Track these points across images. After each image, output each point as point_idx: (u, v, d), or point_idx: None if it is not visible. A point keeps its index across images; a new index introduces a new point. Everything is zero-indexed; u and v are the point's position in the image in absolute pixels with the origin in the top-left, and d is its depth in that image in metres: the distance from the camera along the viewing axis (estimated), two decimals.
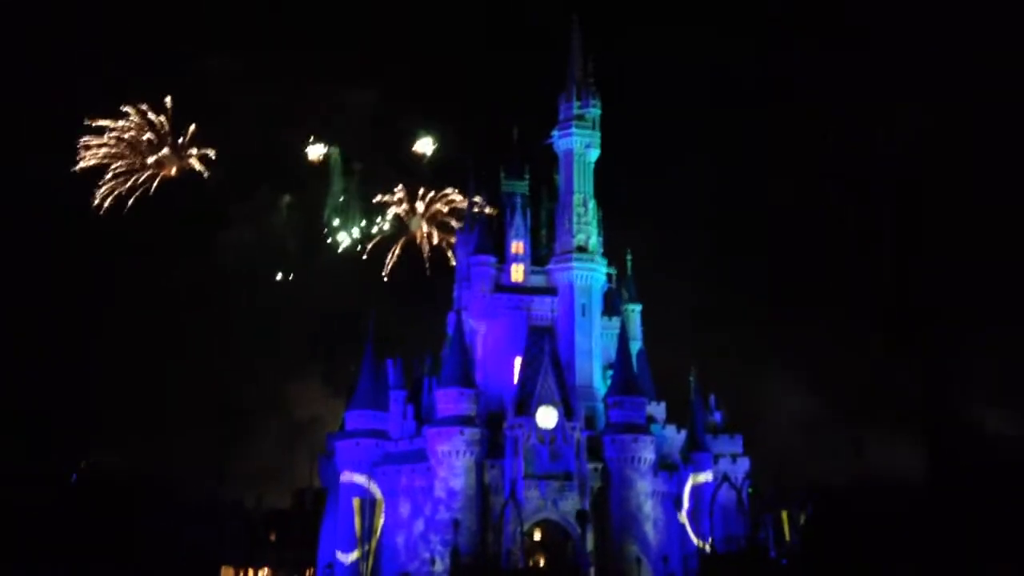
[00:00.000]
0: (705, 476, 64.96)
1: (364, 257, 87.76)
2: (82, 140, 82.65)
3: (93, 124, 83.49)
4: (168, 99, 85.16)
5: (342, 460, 64.66)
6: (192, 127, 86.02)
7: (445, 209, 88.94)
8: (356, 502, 61.59)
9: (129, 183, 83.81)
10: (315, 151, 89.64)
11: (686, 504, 64.20)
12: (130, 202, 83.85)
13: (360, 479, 63.57)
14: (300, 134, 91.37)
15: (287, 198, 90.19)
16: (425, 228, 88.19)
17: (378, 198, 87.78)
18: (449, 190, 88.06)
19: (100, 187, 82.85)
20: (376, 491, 63.13)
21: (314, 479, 74.14)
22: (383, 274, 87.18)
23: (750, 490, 66.03)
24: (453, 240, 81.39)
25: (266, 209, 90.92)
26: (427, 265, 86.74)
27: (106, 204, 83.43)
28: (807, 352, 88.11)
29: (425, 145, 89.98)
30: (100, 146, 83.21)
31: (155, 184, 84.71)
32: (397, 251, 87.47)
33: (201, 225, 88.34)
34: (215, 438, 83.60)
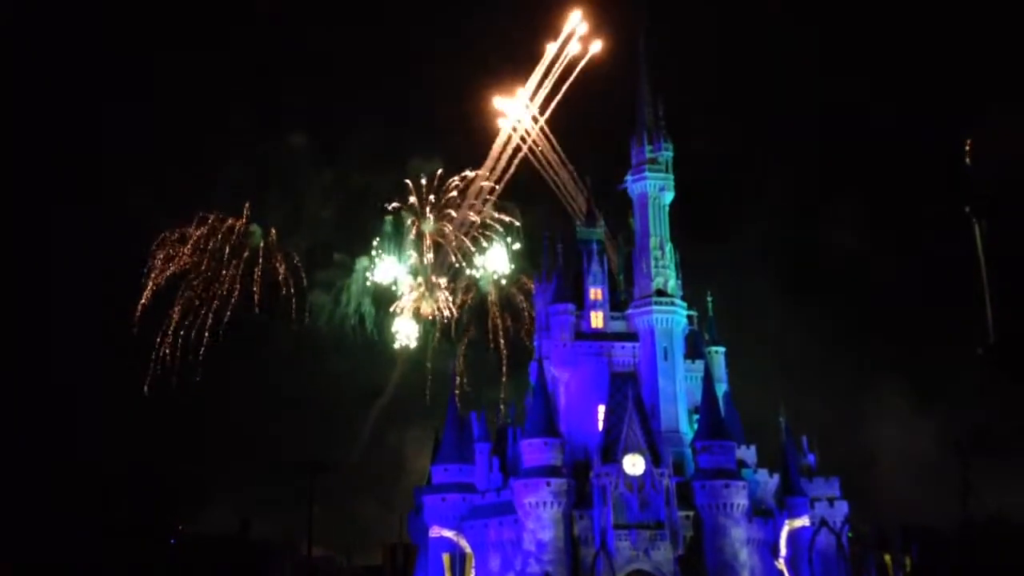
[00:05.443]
0: (802, 521, 62.84)
1: (438, 324, 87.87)
2: (161, 252, 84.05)
3: (172, 235, 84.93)
4: (246, 205, 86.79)
5: (430, 515, 64.56)
6: (273, 231, 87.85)
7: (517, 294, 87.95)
8: (446, 557, 61.34)
9: (213, 290, 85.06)
10: (384, 270, 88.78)
11: (783, 551, 62.07)
12: (215, 303, 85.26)
13: (449, 534, 63.31)
14: (372, 203, 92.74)
15: (364, 261, 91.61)
16: (497, 312, 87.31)
17: (445, 282, 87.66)
18: (523, 277, 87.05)
19: (184, 293, 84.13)
20: (465, 545, 62.76)
21: (403, 535, 74.16)
22: (463, 340, 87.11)
23: (850, 534, 63.50)
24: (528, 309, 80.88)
25: (342, 274, 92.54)
26: (502, 345, 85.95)
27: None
28: (906, 388, 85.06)
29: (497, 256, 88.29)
30: (179, 257, 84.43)
31: (236, 292, 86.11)
32: (471, 331, 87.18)
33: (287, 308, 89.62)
34: (306, 496, 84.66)
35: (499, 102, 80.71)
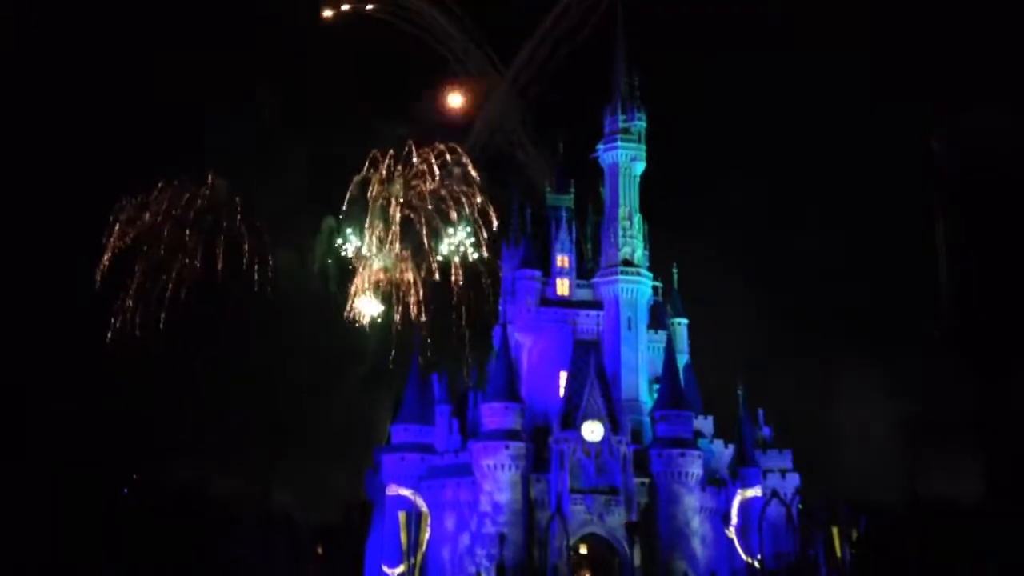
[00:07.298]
0: (754, 491, 64.16)
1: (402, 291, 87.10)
2: (121, 217, 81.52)
3: (131, 200, 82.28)
4: (210, 175, 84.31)
5: (388, 474, 64.96)
6: (238, 199, 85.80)
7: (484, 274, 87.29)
8: (402, 516, 61.82)
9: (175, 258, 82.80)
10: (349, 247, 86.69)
11: (734, 520, 63.40)
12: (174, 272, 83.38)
13: (406, 493, 63.77)
14: (339, 169, 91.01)
15: (329, 221, 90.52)
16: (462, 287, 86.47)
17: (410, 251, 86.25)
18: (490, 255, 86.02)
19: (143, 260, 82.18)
20: (422, 505, 63.28)
21: (361, 493, 74.54)
22: (427, 305, 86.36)
23: (800, 506, 64.89)
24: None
25: (307, 234, 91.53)
26: (463, 310, 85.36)
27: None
28: (867, 368, 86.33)
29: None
30: (138, 224, 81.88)
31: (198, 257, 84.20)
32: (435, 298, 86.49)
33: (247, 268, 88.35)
34: (264, 453, 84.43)
35: None
